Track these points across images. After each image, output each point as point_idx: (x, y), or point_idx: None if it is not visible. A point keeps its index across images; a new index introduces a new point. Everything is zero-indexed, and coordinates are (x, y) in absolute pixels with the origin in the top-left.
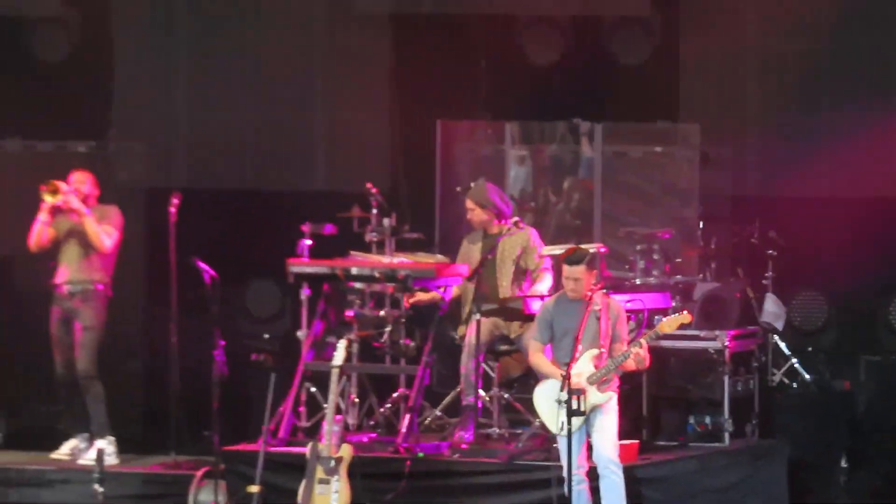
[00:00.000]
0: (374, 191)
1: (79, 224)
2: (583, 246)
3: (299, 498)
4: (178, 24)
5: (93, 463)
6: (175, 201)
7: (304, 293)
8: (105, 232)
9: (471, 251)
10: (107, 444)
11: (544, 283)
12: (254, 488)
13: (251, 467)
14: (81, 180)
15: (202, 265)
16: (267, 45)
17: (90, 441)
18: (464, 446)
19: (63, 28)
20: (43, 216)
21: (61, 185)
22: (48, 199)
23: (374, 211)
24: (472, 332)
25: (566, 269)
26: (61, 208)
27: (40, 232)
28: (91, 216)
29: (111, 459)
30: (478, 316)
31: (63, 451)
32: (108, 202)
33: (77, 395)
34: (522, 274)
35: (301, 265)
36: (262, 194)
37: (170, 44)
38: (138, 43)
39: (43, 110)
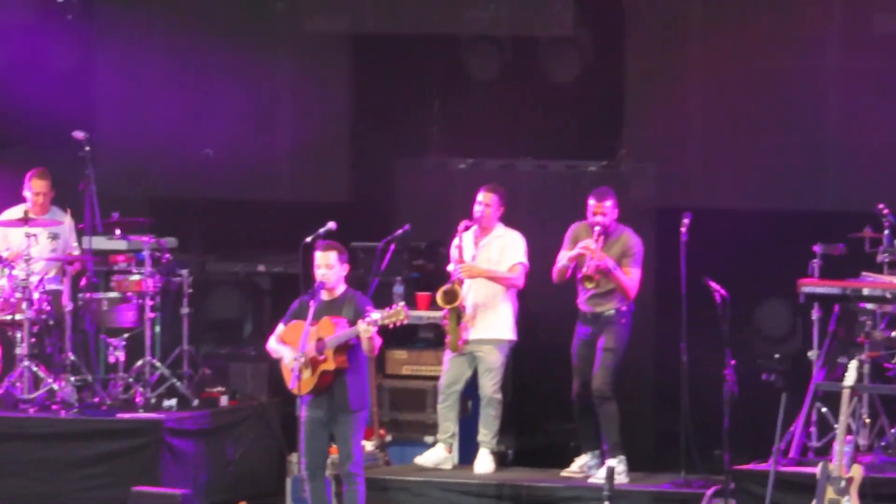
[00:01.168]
0: (885, 211)
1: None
2: None
3: None
4: (693, 44)
5: (602, 481)
6: (686, 221)
7: (815, 313)
8: (630, 279)
9: None
10: (617, 463)
11: None
12: None
13: (761, 486)
14: (603, 211)
15: (713, 284)
16: (780, 66)
17: (601, 459)
18: None
19: (575, 48)
20: (567, 263)
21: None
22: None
23: (886, 232)
24: None
25: None
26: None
27: (563, 271)
28: (620, 275)
29: (621, 478)
30: None
31: (573, 469)
32: (620, 221)
33: (590, 414)
34: None
35: (812, 285)
36: (774, 214)
37: (682, 63)
38: (650, 62)
39: (554, 130)
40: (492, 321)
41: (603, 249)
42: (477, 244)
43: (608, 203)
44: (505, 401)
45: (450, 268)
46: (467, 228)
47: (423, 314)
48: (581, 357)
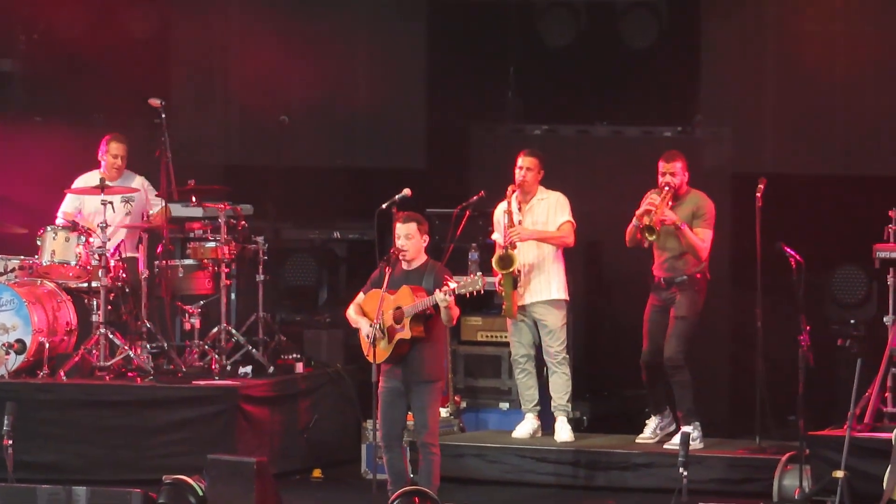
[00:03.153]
0: None
1: (674, 230)
2: None
3: (885, 483)
4: (768, 8)
5: (677, 447)
6: (761, 186)
7: (891, 278)
8: (700, 239)
9: None
10: (692, 430)
11: None
12: (839, 473)
13: (837, 452)
14: (672, 171)
15: (788, 250)
16: (854, 29)
17: (671, 418)
18: None
19: (652, 14)
20: (636, 221)
21: (667, 215)
22: (648, 238)
23: None
24: None
25: None
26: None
27: (634, 233)
28: (688, 233)
29: (696, 444)
30: None
31: (646, 435)
32: (694, 187)
33: (661, 380)
34: None
35: (887, 250)
36: (849, 178)
37: (757, 29)
38: (726, 28)
39: (630, 95)
40: (544, 283)
41: (673, 210)
42: (521, 209)
43: (677, 164)
44: (578, 366)
45: (494, 236)
46: (513, 192)
47: (499, 278)
48: (653, 322)
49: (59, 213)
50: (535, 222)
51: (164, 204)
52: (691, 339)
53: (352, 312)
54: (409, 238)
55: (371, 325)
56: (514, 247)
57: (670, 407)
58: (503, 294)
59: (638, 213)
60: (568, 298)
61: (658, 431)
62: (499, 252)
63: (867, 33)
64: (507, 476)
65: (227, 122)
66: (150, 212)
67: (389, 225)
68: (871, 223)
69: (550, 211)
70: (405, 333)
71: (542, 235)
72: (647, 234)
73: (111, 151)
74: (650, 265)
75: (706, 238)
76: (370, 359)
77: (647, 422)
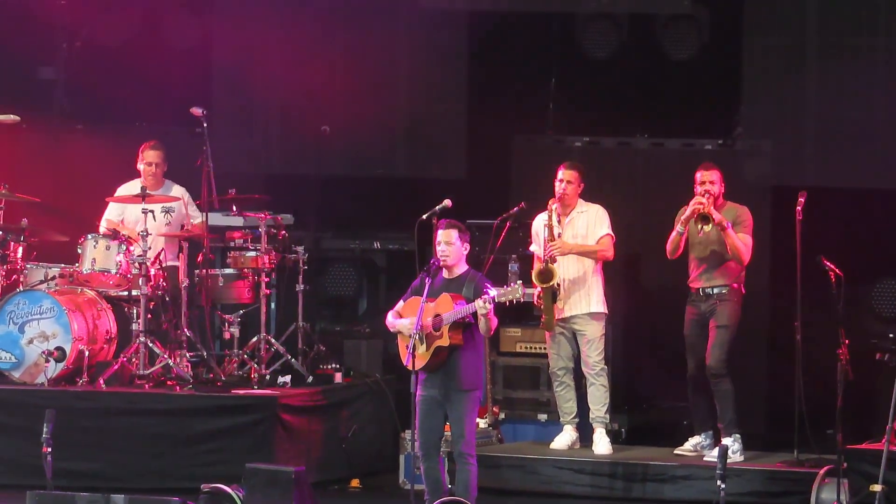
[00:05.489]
0: None
1: (719, 233)
2: None
3: None
4: (809, 23)
5: (716, 460)
6: (801, 199)
7: None
8: (743, 243)
9: None
10: (732, 442)
11: None
12: (877, 487)
13: (875, 466)
14: (711, 179)
15: (828, 263)
16: (888, 48)
17: (714, 438)
18: None
19: (693, 26)
20: (680, 228)
21: (714, 214)
22: (704, 228)
23: None
24: None
25: None
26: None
27: (677, 242)
28: (733, 234)
29: (736, 457)
30: None
31: (687, 447)
32: (735, 200)
33: (704, 393)
34: None
35: None
36: (890, 192)
37: (799, 42)
38: (768, 41)
39: (670, 108)
40: (584, 296)
41: None
42: (561, 221)
43: (716, 173)
44: (616, 378)
45: (532, 248)
46: (553, 205)
47: (538, 291)
48: (693, 336)
49: (102, 221)
50: (575, 235)
51: (202, 218)
52: (732, 348)
53: (390, 317)
54: (449, 244)
55: (409, 334)
56: (553, 261)
57: (713, 426)
58: (542, 307)
59: (684, 217)
60: (607, 311)
61: (699, 449)
62: (538, 266)
63: None
64: (544, 487)
65: (267, 132)
66: (191, 222)
67: (430, 236)
68: None
69: (590, 224)
70: (444, 340)
71: (582, 249)
72: (702, 224)
73: (146, 159)
74: (687, 278)
75: (748, 243)
76: (408, 365)
77: (689, 437)
